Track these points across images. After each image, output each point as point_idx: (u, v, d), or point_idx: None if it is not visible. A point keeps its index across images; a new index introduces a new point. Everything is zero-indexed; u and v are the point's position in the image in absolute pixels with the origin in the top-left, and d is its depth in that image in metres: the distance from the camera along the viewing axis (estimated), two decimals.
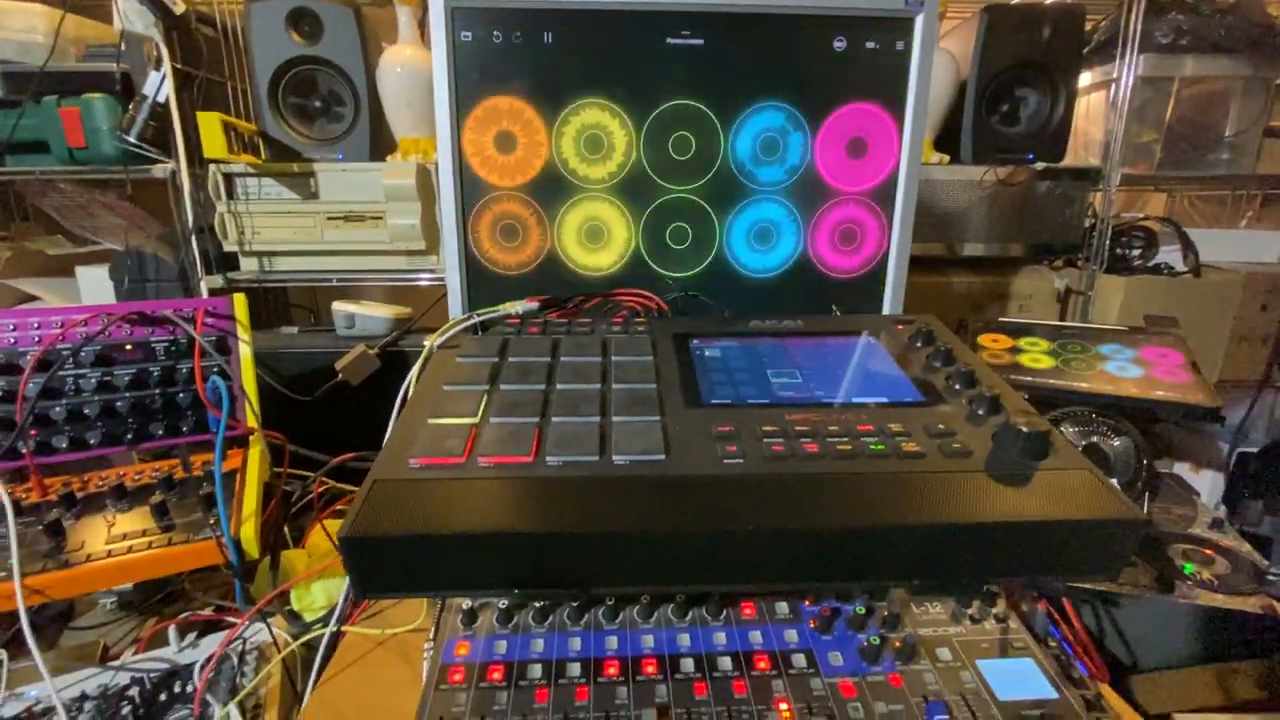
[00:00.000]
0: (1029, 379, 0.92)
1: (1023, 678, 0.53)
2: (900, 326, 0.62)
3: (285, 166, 1.22)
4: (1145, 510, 0.90)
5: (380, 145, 1.29)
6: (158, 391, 0.76)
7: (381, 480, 0.40)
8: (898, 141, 0.73)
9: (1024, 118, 1.29)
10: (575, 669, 0.52)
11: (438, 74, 0.67)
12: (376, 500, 0.38)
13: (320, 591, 0.70)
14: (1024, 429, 0.43)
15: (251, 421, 0.78)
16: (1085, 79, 1.39)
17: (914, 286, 1.30)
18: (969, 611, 0.57)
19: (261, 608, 0.65)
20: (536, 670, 0.51)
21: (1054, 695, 0.52)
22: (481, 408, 0.47)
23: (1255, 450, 1.28)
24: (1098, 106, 1.42)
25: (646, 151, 0.73)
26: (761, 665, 0.53)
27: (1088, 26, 1.29)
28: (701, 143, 0.72)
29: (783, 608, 0.58)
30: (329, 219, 1.25)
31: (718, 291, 0.76)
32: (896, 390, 0.51)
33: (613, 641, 0.55)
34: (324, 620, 0.65)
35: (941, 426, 0.46)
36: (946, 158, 1.29)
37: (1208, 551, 0.85)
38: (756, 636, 0.56)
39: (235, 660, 0.64)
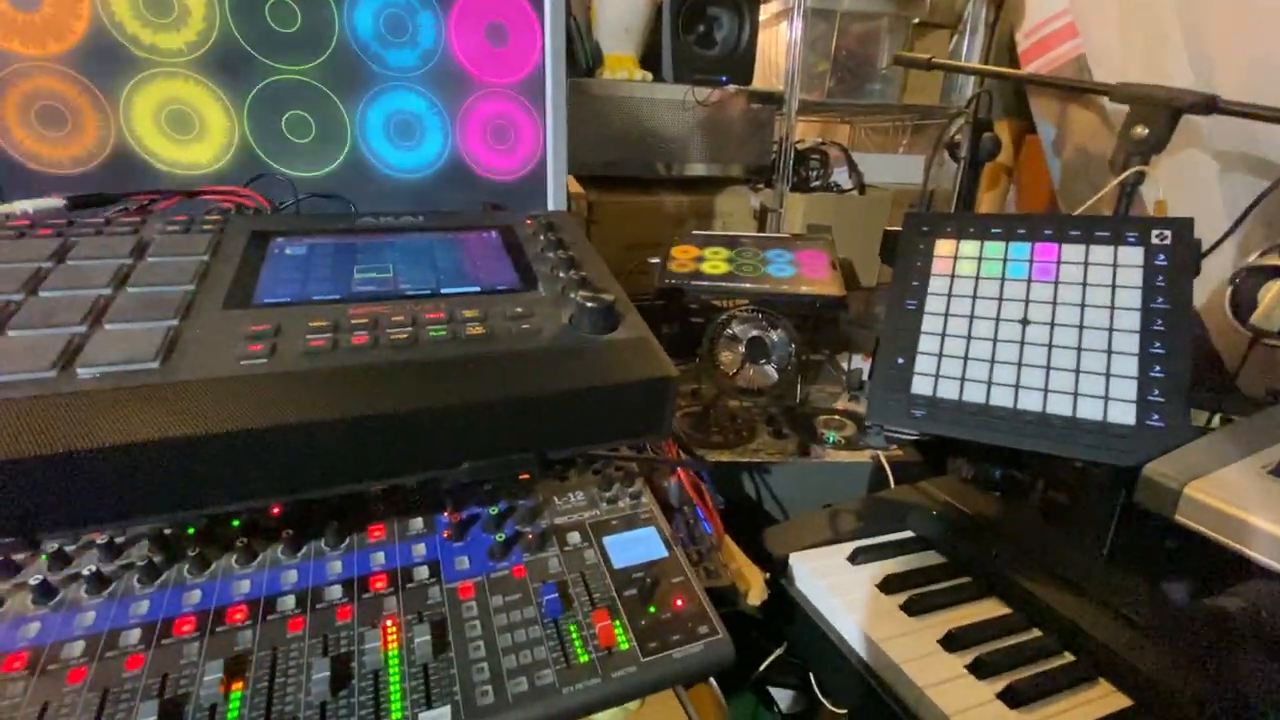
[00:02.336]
0: (706, 282, 0.99)
1: (641, 545, 0.57)
2: (530, 220, 0.60)
3: None
4: (801, 391, 1.04)
5: None
6: None
7: None
8: (540, 30, 0.69)
9: (718, 40, 1.36)
10: (133, 636, 0.44)
11: None
12: None
13: None
14: (589, 303, 0.43)
15: None
16: (774, 7, 1.50)
17: (626, 205, 1.35)
18: (607, 494, 0.59)
19: None
20: (78, 649, 0.42)
21: (664, 554, 0.56)
22: None
23: None
24: (781, 37, 1.55)
25: (235, 17, 0.60)
26: (377, 586, 0.49)
27: None
28: (308, 11, 0.61)
29: (417, 524, 0.54)
30: None
31: (360, 196, 0.68)
32: (494, 279, 0.49)
33: (194, 596, 0.47)
34: None
35: (520, 310, 0.44)
36: (649, 75, 1.32)
37: (844, 420, 1.01)
38: (379, 558, 0.52)
39: None
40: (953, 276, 0.67)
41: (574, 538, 0.56)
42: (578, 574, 0.52)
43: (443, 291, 0.46)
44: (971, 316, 0.65)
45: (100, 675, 0.40)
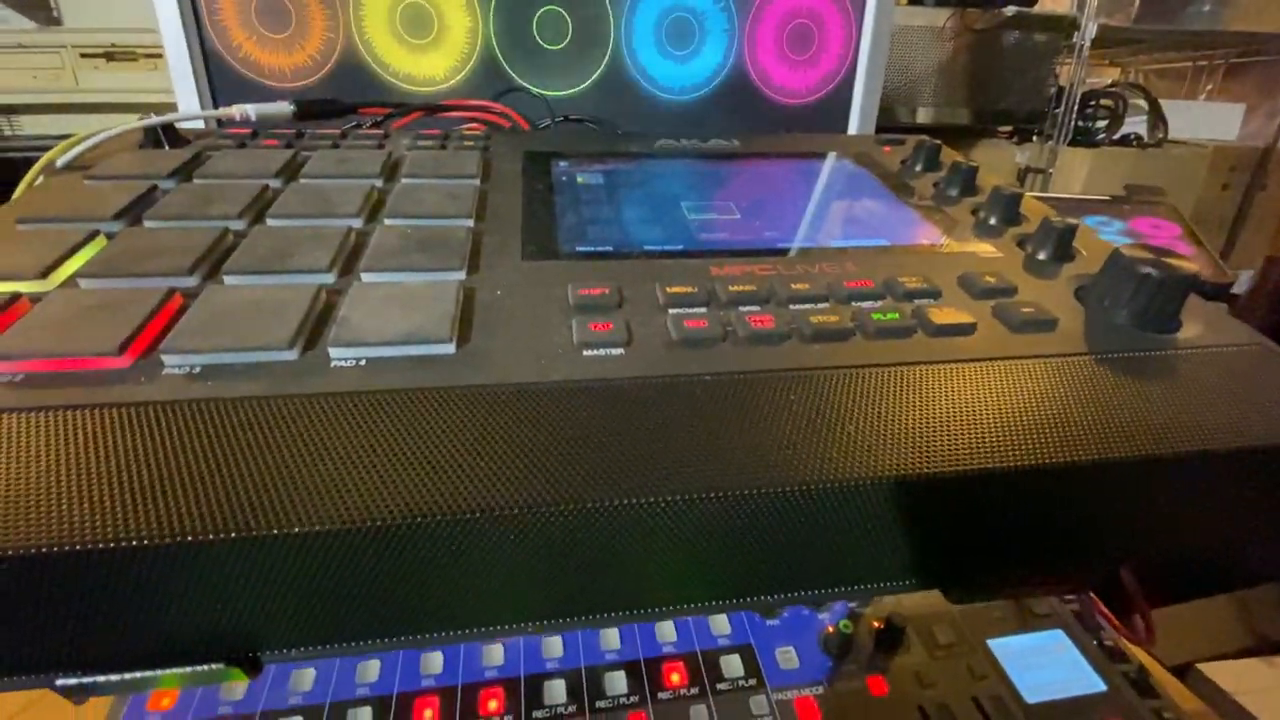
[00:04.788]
0: None
1: (1052, 661, 0.37)
2: (888, 148, 0.40)
3: None
4: None
5: None
6: None
7: None
8: None
9: None
10: (364, 716, 0.31)
11: None
12: None
13: None
14: (1152, 273, 0.23)
15: None
16: None
17: None
18: None
19: None
20: None
21: (1100, 686, 0.36)
22: (74, 262, 0.22)
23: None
24: None
25: None
26: (674, 679, 0.34)
27: None
28: None
29: None
30: (84, 56, 0.89)
31: (614, 120, 0.52)
32: (899, 228, 0.30)
33: (435, 662, 0.33)
34: None
35: (990, 279, 0.25)
36: None
37: None
38: (667, 631, 0.36)
39: None
40: None
41: (943, 634, 0.37)
42: (969, 704, 0.33)
43: (832, 245, 0.28)
44: None
45: None
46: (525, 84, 0.50)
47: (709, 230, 0.29)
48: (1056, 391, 0.20)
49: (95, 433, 0.16)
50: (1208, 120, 1.35)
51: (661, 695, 0.33)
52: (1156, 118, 1.18)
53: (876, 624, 0.37)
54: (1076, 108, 1.14)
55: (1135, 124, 1.23)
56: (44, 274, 0.21)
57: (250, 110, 0.38)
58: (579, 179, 0.33)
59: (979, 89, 1.12)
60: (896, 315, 0.22)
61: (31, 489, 0.15)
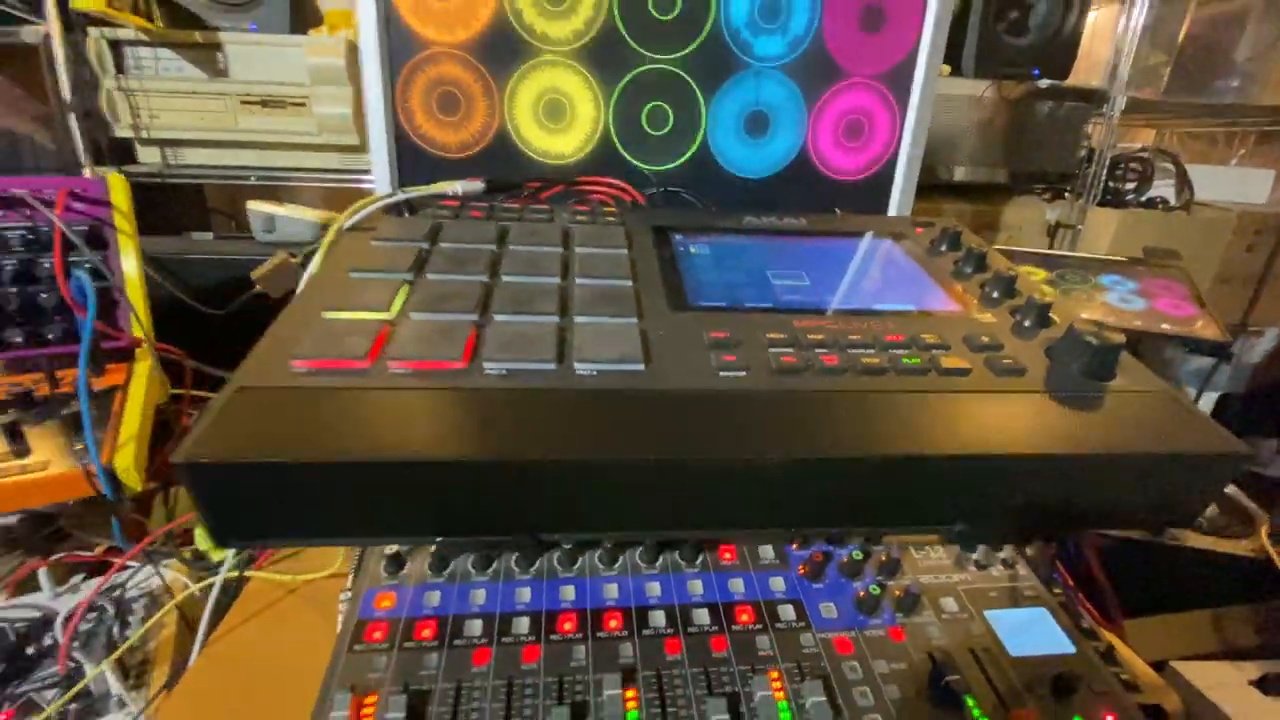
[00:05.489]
0: None
1: (1035, 630, 0.47)
2: (920, 229, 0.52)
3: (185, 35, 1.02)
4: None
5: (303, 16, 1.09)
6: (14, 290, 0.62)
7: (249, 388, 0.28)
8: (921, 14, 0.61)
9: (1033, 27, 1.18)
10: (524, 624, 0.43)
11: None
12: (238, 413, 0.27)
13: None
14: (1092, 341, 0.34)
15: (137, 331, 0.64)
16: None
17: None
18: (974, 557, 0.50)
19: (144, 547, 0.54)
20: (476, 626, 0.42)
21: (1070, 649, 0.46)
22: (398, 301, 0.35)
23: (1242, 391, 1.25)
24: (1104, 24, 1.32)
25: (621, 5, 0.59)
26: (744, 618, 0.45)
27: None
28: None
29: (767, 552, 0.50)
30: (243, 103, 1.06)
31: (699, 192, 0.65)
32: (924, 296, 0.42)
33: (569, 591, 0.46)
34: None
35: (985, 339, 0.36)
36: (948, 68, 1.18)
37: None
38: (738, 585, 0.48)
39: (112, 610, 0.53)
40: None
41: (949, 604, 0.48)
42: (966, 652, 0.44)
43: (875, 308, 0.40)
44: None
45: (502, 662, 0.40)
46: (632, 160, 0.64)
47: (789, 293, 0.41)
48: (1019, 413, 0.32)
49: (451, 404, 0.29)
50: (1239, 184, 1.42)
51: (734, 628, 0.44)
52: (1183, 183, 1.26)
53: (898, 592, 0.48)
54: (1106, 170, 1.24)
55: (1164, 187, 1.32)
56: (388, 308, 0.35)
57: (459, 187, 0.52)
58: (692, 249, 0.46)
59: (1013, 151, 1.23)
60: (917, 360, 0.34)
61: (419, 430, 0.28)
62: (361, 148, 1.07)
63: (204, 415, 0.27)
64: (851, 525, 0.32)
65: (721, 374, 0.32)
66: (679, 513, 0.30)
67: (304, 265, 0.86)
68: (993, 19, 1.15)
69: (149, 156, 1.09)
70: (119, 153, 1.09)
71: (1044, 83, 1.17)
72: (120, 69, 1.02)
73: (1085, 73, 1.32)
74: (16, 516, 0.70)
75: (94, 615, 0.52)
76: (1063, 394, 0.33)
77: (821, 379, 0.33)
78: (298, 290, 0.40)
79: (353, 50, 1.01)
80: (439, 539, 0.30)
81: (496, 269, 0.39)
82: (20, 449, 0.55)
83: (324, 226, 0.95)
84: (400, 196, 0.48)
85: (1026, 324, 0.39)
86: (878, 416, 0.31)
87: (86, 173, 1.06)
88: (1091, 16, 1.33)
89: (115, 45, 1.01)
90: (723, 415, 0.30)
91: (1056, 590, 0.53)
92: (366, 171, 1.10)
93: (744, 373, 0.32)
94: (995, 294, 0.43)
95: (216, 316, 0.82)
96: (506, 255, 0.41)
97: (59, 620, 0.50)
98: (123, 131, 1.05)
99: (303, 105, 1.06)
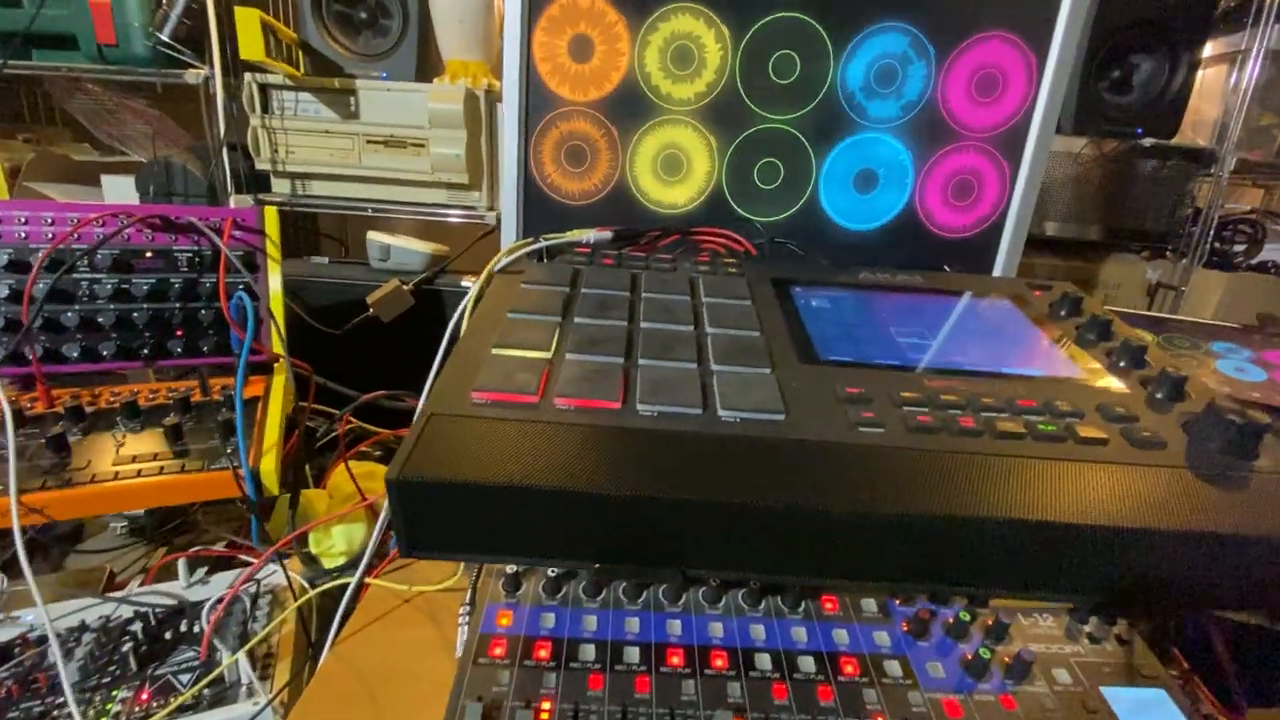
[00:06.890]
0: None
1: (1154, 711, 0.45)
2: (1039, 292, 0.53)
3: (326, 81, 1.13)
4: None
5: (427, 66, 1.19)
6: (178, 305, 0.69)
7: (440, 415, 0.32)
8: (1036, 80, 0.62)
9: (1136, 86, 1.16)
10: (634, 654, 0.45)
11: None
12: (433, 438, 0.30)
13: (340, 536, 0.64)
14: (1236, 419, 0.34)
15: (278, 347, 0.71)
16: (1206, 50, 1.25)
17: None
18: (1086, 629, 0.49)
19: (280, 549, 0.59)
20: (589, 651, 0.44)
21: None
22: (555, 341, 0.39)
23: None
24: (1212, 83, 1.28)
25: (743, 70, 0.63)
26: (849, 669, 0.46)
27: None
28: (808, 65, 0.62)
29: (870, 605, 0.50)
30: (369, 142, 1.16)
31: (805, 244, 0.67)
32: (1050, 362, 0.42)
33: (675, 626, 0.47)
34: (343, 569, 0.59)
35: (1120, 410, 0.37)
36: None
37: None
38: (842, 636, 0.48)
39: (247, 603, 0.58)
40: None
41: (1062, 675, 0.47)
42: None
43: (1002, 371, 0.41)
44: None
45: (615, 689, 0.42)
46: (741, 211, 0.67)
47: (914, 351, 0.42)
48: (1161, 486, 0.32)
49: (611, 441, 0.32)
50: None
51: (840, 678, 0.45)
52: None
53: (1007, 658, 0.47)
54: (1213, 231, 1.19)
55: (1274, 251, 1.25)
56: (548, 348, 0.38)
57: (591, 235, 0.56)
58: (813, 302, 0.48)
59: (1111, 208, 1.20)
60: (1054, 428, 0.35)
61: (587, 463, 0.31)
62: (469, 185, 1.15)
63: (406, 440, 0.30)
64: (992, 587, 0.33)
65: (860, 429, 0.34)
66: (821, 560, 0.32)
67: (414, 294, 0.92)
68: (1094, 77, 1.14)
69: (281, 187, 1.20)
70: (255, 183, 1.20)
71: (1147, 141, 1.14)
72: (266, 109, 1.14)
73: (1189, 128, 1.28)
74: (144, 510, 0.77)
75: (226, 606, 0.57)
76: (1205, 471, 0.33)
77: (957, 440, 0.34)
78: (463, 328, 0.44)
79: (470, 98, 1.10)
80: (597, 566, 0.32)
81: (634, 315, 0.42)
82: (180, 450, 0.61)
83: (433, 257, 1.03)
84: (543, 244, 0.52)
85: (1159, 395, 0.39)
86: (1020, 482, 0.32)
87: (231, 201, 1.18)
88: (1199, 75, 1.29)
89: (264, 89, 1.13)
90: (864, 468, 0.31)
91: (1172, 672, 0.51)
92: (468, 208, 1.17)
93: (880, 429, 0.34)
94: (1123, 363, 0.43)
95: (332, 337, 0.89)
96: (642, 302, 0.44)
97: (206, 608, 0.55)
98: (262, 165, 1.17)
99: (421, 146, 1.15)
